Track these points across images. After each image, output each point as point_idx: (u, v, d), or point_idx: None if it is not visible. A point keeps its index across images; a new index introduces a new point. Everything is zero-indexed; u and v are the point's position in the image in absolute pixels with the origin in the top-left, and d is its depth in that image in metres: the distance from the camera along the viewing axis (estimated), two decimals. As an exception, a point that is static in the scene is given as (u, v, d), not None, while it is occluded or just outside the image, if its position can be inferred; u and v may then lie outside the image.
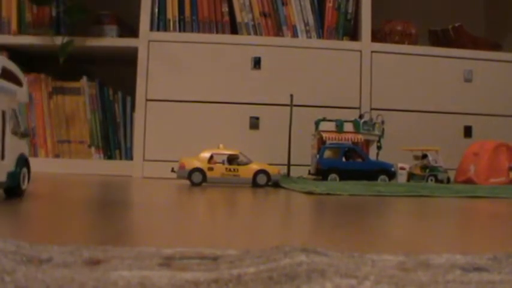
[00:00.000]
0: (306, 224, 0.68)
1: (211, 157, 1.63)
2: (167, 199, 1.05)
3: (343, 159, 1.81)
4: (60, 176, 1.98)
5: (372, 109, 2.27)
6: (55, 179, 1.79)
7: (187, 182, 1.72)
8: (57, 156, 2.33)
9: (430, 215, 0.88)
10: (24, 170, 0.93)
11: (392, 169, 1.82)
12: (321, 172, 1.79)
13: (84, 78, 2.35)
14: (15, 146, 0.89)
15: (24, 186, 0.94)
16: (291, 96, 1.91)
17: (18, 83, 0.91)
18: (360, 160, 1.83)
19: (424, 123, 2.34)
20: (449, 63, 2.37)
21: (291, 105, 1.91)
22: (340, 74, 2.27)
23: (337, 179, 1.77)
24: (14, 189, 0.91)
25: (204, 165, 1.61)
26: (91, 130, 2.34)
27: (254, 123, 2.19)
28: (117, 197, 1.04)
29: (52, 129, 2.34)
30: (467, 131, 2.36)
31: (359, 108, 2.27)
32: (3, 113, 0.85)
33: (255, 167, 1.63)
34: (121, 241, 0.49)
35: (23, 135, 0.93)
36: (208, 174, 1.60)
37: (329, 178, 1.77)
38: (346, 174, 1.78)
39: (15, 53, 2.32)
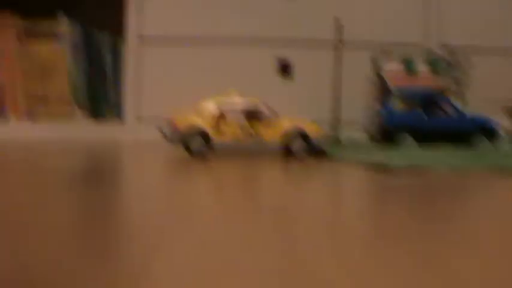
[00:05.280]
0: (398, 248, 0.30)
1: (219, 111, 1.07)
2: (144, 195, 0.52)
3: (423, 113, 1.23)
4: (35, 145, 1.51)
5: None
6: (27, 148, 1.34)
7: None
8: (31, 119, 1.82)
9: None
10: None
11: (494, 126, 1.23)
12: (388, 133, 1.21)
13: (62, 16, 1.81)
14: None
15: None
16: (337, 21, 1.32)
17: None
18: (443, 114, 1.25)
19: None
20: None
21: (338, 35, 1.32)
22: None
23: (414, 142, 1.19)
24: None
25: (207, 124, 1.05)
26: (73, 84, 1.82)
27: (283, 66, 1.71)
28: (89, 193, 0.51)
29: (25, 85, 1.82)
30: None
31: (424, 45, 1.73)
32: None
33: (286, 124, 1.06)
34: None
35: None
36: (215, 137, 1.04)
37: (401, 141, 1.19)
38: (426, 136, 1.20)
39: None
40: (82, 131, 1.76)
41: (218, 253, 0.27)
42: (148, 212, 0.39)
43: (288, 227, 0.33)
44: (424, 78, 1.33)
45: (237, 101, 1.10)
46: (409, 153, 0.98)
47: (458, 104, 1.33)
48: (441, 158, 0.87)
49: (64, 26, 1.82)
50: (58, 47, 1.82)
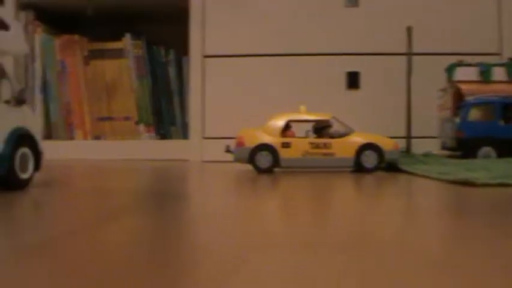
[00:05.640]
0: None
1: (286, 126, 1.03)
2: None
3: (501, 122, 1.16)
4: (101, 163, 1.51)
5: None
6: (93, 167, 1.33)
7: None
8: (97, 137, 1.84)
9: None
10: (24, 151, 0.72)
11: None
12: (466, 144, 1.14)
13: (128, 36, 1.83)
14: (4, 118, 0.68)
15: (25, 175, 0.72)
16: (409, 30, 1.26)
17: (3, 26, 0.71)
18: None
19: None
20: None
21: (409, 43, 1.26)
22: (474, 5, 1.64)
23: (494, 154, 1.11)
24: (7, 180, 0.68)
25: (275, 140, 1.02)
26: (138, 102, 1.83)
27: (353, 80, 1.63)
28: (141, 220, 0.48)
29: (90, 104, 1.84)
30: None
31: (499, 54, 1.61)
32: None
33: (358, 139, 1.02)
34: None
35: (18, 101, 0.71)
36: (282, 153, 1.01)
37: (479, 154, 1.12)
38: (506, 146, 1.12)
39: (42, 12, 1.88)
40: (147, 149, 1.75)
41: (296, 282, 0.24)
42: (219, 236, 0.36)
43: (371, 253, 0.29)
44: (502, 86, 1.25)
45: (307, 117, 1.06)
46: (490, 165, 0.90)
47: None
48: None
49: (129, 45, 1.83)
50: (123, 66, 1.83)
